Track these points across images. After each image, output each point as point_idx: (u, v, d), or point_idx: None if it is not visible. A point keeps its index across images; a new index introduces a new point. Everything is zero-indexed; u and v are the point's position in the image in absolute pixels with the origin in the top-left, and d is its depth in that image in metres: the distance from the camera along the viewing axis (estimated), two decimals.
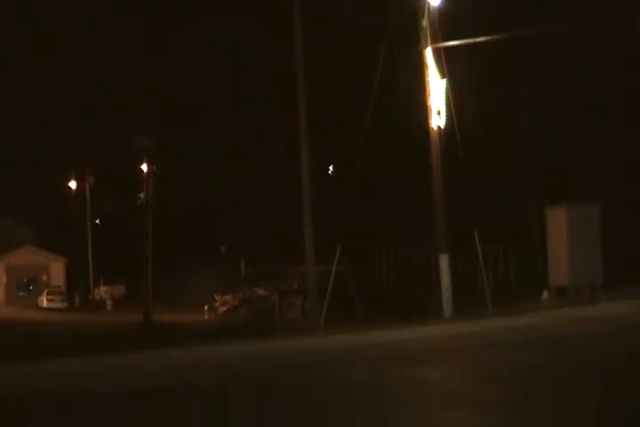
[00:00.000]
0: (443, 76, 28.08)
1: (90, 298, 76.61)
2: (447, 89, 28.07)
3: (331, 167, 61.51)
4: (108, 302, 70.46)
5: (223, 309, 50.11)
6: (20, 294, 76.23)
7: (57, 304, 69.14)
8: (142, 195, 61.34)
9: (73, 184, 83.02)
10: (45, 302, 69.76)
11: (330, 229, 31.83)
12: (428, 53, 28.13)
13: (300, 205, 33.13)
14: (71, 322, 55.81)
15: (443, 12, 28.28)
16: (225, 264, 66.35)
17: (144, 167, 59.98)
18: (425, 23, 28.05)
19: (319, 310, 30.51)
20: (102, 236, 79.40)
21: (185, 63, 71.09)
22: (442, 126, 28.04)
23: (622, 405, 11.25)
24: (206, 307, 52.17)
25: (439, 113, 27.90)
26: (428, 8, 27.97)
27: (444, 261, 28.26)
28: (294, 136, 34.18)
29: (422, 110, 28.48)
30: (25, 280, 77.36)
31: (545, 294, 30.09)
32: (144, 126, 57.34)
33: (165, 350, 22.77)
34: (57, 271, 78.08)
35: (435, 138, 28.11)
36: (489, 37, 29.05)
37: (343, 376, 14.73)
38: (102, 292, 75.63)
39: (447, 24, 28.34)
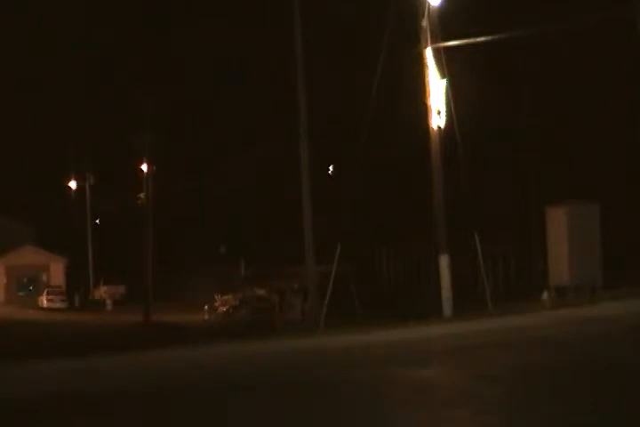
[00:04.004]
0: (443, 76, 28.08)
1: (90, 298, 76.56)
2: (447, 89, 28.06)
3: (331, 167, 61.60)
4: (108, 302, 70.40)
5: (223, 309, 50.10)
6: (20, 293, 76.17)
7: (57, 304, 69.06)
8: (142, 195, 61.37)
9: (73, 184, 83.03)
10: (45, 301, 69.70)
11: (330, 229, 31.84)
12: (428, 53, 28.12)
13: (300, 205, 33.12)
14: (71, 322, 55.75)
15: (443, 12, 28.28)
16: (225, 264, 66.34)
17: (144, 167, 59.97)
18: (425, 23, 28.05)
19: (319, 310, 30.49)
20: (102, 236, 79.40)
21: (185, 63, 71.13)
22: (442, 126, 28.03)
23: (622, 405, 11.25)
24: (206, 307, 52.14)
25: (439, 113, 27.90)
26: (428, 8, 27.97)
27: (443, 261, 28.25)
28: (294, 136, 34.19)
29: (422, 110, 28.48)
30: (25, 280, 77.28)
31: (545, 294, 30.04)
32: (144, 126, 57.33)
33: (165, 351, 22.76)
34: (57, 271, 77.99)
35: (435, 138, 28.10)
36: (489, 37, 29.07)
37: (343, 376, 14.73)
38: (102, 292, 75.57)
39: (447, 24, 28.34)
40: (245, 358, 19.28)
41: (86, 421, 12.02)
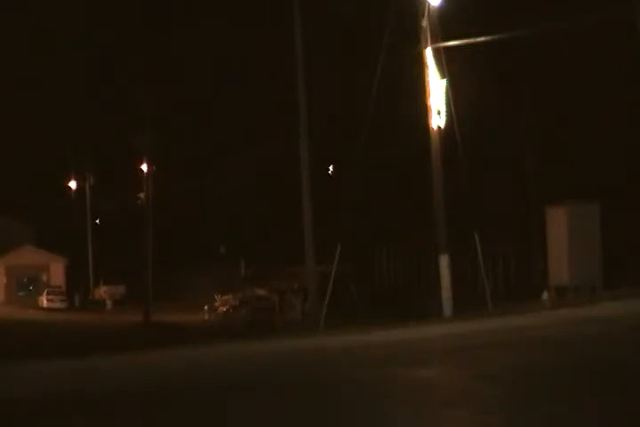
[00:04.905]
0: (443, 76, 28.08)
1: (90, 298, 76.60)
2: (447, 89, 28.06)
3: (331, 167, 61.60)
4: (108, 302, 70.46)
5: (223, 309, 50.10)
6: (20, 293, 76.20)
7: (57, 304, 69.10)
8: (142, 195, 61.39)
9: (73, 184, 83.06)
10: (45, 301, 69.74)
11: (330, 229, 31.84)
12: (428, 53, 28.12)
13: (300, 205, 33.13)
14: (71, 322, 55.78)
15: (443, 12, 28.28)
16: (225, 264, 66.35)
17: (144, 167, 59.98)
18: (425, 23, 28.04)
19: (319, 310, 30.49)
20: (102, 236, 79.42)
21: (185, 63, 71.15)
22: (442, 126, 28.03)
23: (622, 405, 11.24)
24: (206, 307, 52.15)
25: (439, 113, 27.89)
26: (428, 8, 27.97)
27: (443, 261, 28.25)
28: (294, 136, 34.20)
29: (422, 110, 28.48)
30: (25, 280, 77.31)
31: (545, 295, 30.04)
32: (144, 126, 57.34)
33: (165, 351, 22.77)
34: (57, 271, 78.01)
35: (435, 138, 28.10)
36: (489, 37, 29.07)
37: (343, 376, 14.73)
38: (102, 292, 75.62)
39: (447, 24, 28.34)
40: (245, 358, 19.28)
41: (86, 421, 12.02)
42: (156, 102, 57.22)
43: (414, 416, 11.12)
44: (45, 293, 71.17)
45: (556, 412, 10.99)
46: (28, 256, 75.99)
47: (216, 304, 51.65)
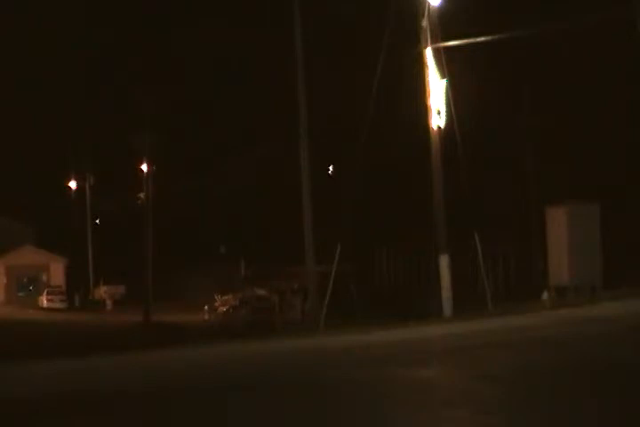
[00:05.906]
0: (443, 76, 28.08)
1: (90, 298, 76.61)
2: (447, 89, 28.07)
3: (331, 167, 61.62)
4: (108, 302, 70.45)
5: (223, 309, 50.11)
6: (20, 293, 76.21)
7: (57, 304, 69.14)
8: (142, 195, 61.40)
9: (73, 184, 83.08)
10: (45, 301, 69.77)
11: (330, 229, 31.84)
12: (428, 53, 28.12)
13: (300, 205, 33.13)
14: (71, 322, 55.79)
15: (443, 12, 28.28)
16: (225, 264, 66.35)
17: (144, 167, 59.99)
18: (425, 23, 28.05)
19: (319, 310, 30.49)
20: (102, 236, 79.43)
21: (185, 63, 71.15)
22: (442, 126, 28.03)
23: (622, 405, 11.24)
24: (206, 307, 52.16)
25: (439, 113, 27.90)
26: (428, 8, 27.97)
27: (443, 261, 28.26)
28: (294, 136, 34.20)
29: (422, 110, 28.48)
30: (25, 280, 77.33)
31: (545, 295, 30.04)
32: (144, 126, 57.35)
33: (165, 351, 22.77)
34: (57, 271, 78.02)
35: (435, 138, 28.11)
36: (489, 37, 29.08)
37: (343, 376, 14.73)
38: (102, 292, 75.62)
39: (447, 24, 28.34)
40: (245, 358, 19.28)
41: (86, 421, 12.02)
42: (156, 102, 57.22)
43: (414, 416, 11.12)
44: (45, 293, 71.20)
45: (556, 412, 10.99)
46: (28, 256, 76.01)
47: (216, 304, 51.64)
